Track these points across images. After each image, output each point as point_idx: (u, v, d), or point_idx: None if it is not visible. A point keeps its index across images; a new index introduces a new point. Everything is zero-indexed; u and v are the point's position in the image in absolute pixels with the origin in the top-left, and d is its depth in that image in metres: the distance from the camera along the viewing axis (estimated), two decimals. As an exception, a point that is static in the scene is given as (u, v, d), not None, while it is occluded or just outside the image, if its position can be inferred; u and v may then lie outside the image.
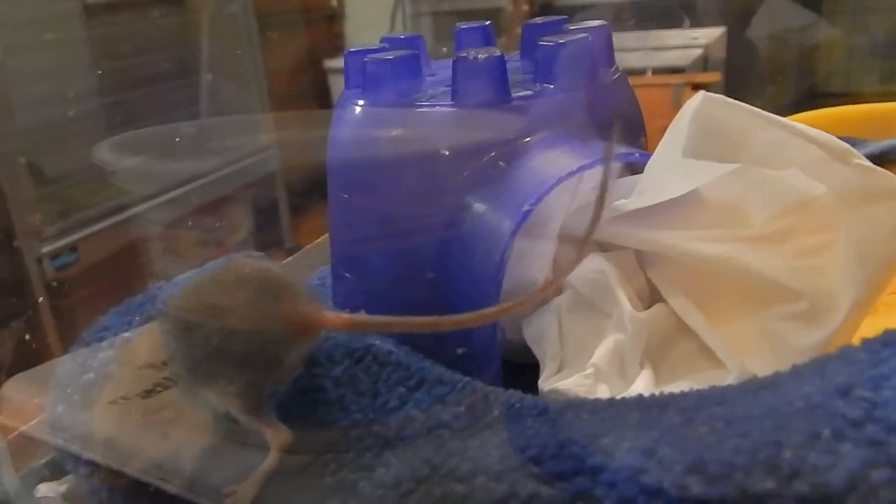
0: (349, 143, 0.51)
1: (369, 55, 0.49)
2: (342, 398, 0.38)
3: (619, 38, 1.71)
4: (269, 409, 0.37)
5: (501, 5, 2.21)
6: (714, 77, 1.97)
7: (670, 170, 0.40)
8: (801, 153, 0.37)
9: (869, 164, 0.37)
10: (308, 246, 0.92)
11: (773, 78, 2.00)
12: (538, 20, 0.56)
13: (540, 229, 0.45)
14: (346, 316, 0.38)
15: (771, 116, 0.39)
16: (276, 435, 0.36)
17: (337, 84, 2.58)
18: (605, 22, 0.52)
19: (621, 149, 0.44)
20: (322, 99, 2.58)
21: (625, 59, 2.10)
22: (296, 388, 0.39)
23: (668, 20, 2.05)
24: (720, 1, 2.01)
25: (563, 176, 0.42)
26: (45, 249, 1.63)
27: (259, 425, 0.36)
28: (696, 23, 2.02)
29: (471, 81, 0.46)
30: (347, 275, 0.53)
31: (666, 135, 0.41)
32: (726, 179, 0.39)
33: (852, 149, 0.37)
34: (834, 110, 0.78)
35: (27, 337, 1.60)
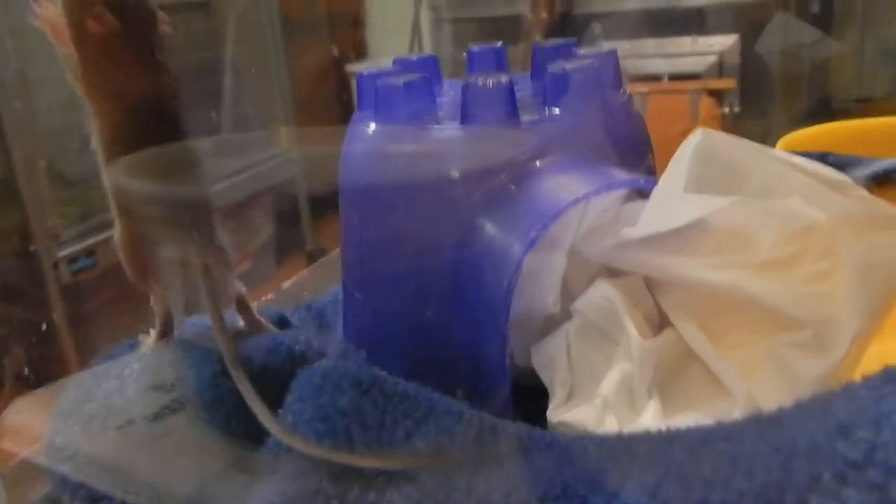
0: (361, 164, 0.51)
1: (381, 78, 0.50)
2: (348, 429, 0.38)
3: (636, 45, 1.72)
4: None
5: (521, 13, 2.22)
6: (729, 83, 1.97)
7: (673, 201, 0.40)
8: (800, 185, 0.37)
9: (867, 194, 0.37)
10: (332, 253, 0.93)
11: (786, 83, 2.00)
12: (548, 43, 0.56)
13: (549, 253, 0.45)
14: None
15: (769, 150, 0.39)
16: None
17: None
18: (613, 48, 0.53)
19: (628, 174, 0.44)
20: (344, 104, 2.60)
21: (642, 66, 2.11)
22: (301, 417, 0.39)
23: (684, 27, 2.05)
24: (733, 9, 2.00)
25: (570, 202, 0.42)
26: (63, 253, 1.63)
27: None
28: (711, 30, 2.02)
29: (480, 107, 0.47)
30: (358, 294, 0.53)
31: (668, 169, 0.41)
32: (730, 208, 0.39)
33: (850, 180, 0.37)
34: (842, 124, 0.79)
35: (42, 342, 1.61)
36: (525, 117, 0.48)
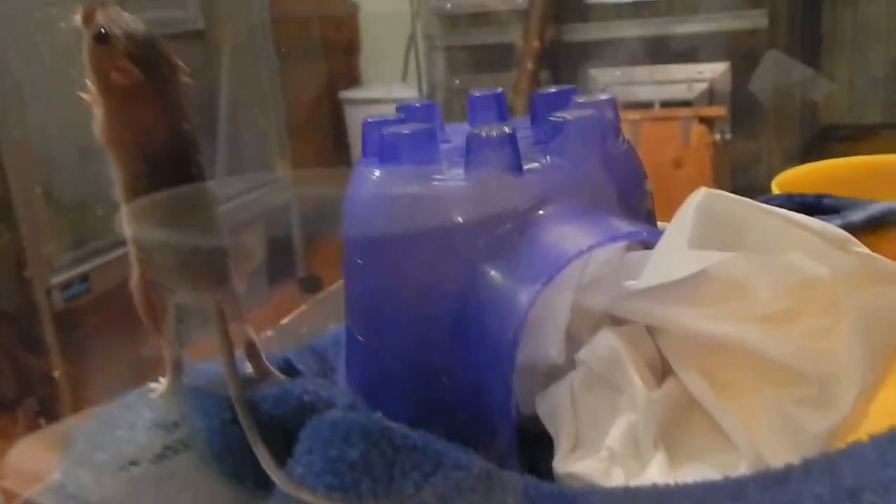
0: (365, 210, 0.52)
1: (387, 127, 0.51)
2: (357, 482, 0.39)
3: (627, 73, 1.74)
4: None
5: (513, 41, 2.24)
6: (720, 110, 1.99)
7: (676, 256, 0.41)
8: (800, 241, 0.38)
9: (867, 250, 0.38)
10: (330, 288, 0.93)
11: (777, 110, 2.02)
12: (547, 90, 0.57)
13: (553, 303, 0.46)
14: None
15: (770, 208, 0.40)
16: None
17: (352, 114, 2.61)
18: (611, 95, 0.53)
19: (630, 225, 0.45)
20: (337, 129, 2.61)
21: (633, 93, 2.13)
22: (310, 469, 0.40)
23: (674, 55, 2.07)
24: (724, 37, 2.02)
25: (573, 255, 0.43)
26: (56, 280, 1.63)
27: None
28: (702, 58, 2.04)
29: (483, 157, 0.47)
30: (361, 338, 0.54)
31: (671, 224, 0.42)
32: (731, 261, 0.40)
33: (851, 237, 0.38)
34: (837, 162, 0.80)
35: (34, 369, 1.60)
36: (527, 165, 0.48)
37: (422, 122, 0.53)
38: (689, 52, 2.08)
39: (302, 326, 0.78)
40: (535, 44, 2.16)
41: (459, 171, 0.48)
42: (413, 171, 0.50)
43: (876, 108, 2.05)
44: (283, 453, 0.42)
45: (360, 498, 0.39)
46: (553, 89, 0.57)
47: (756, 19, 2.01)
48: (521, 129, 0.56)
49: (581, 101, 0.54)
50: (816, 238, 0.38)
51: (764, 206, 0.40)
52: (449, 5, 2.31)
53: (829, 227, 0.38)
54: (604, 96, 0.54)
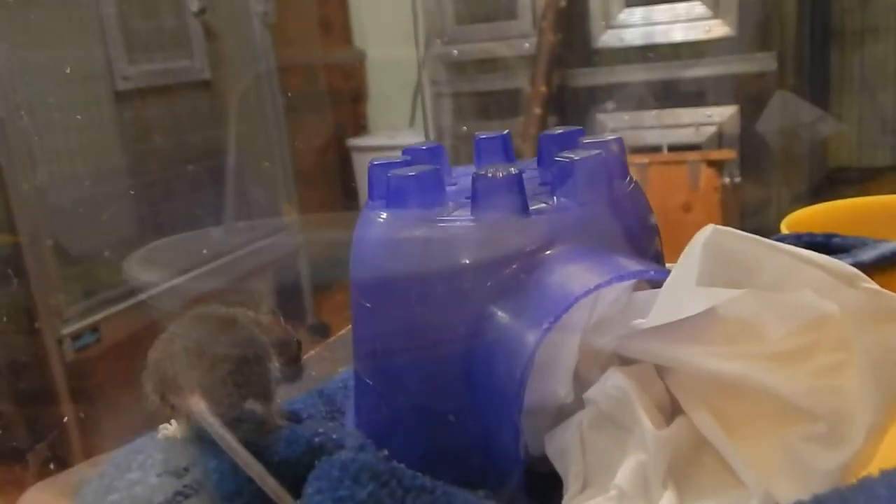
0: (372, 254, 0.52)
1: (393, 170, 0.51)
2: None
3: (635, 117, 1.74)
4: None
5: (520, 87, 2.25)
6: (729, 154, 1.99)
7: (684, 294, 0.40)
8: (810, 278, 0.38)
9: (877, 287, 0.37)
10: (339, 333, 0.93)
11: (786, 153, 2.02)
12: (554, 131, 0.57)
13: (561, 343, 0.46)
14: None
15: (778, 244, 0.40)
16: None
17: (360, 162, 2.63)
18: (618, 135, 0.54)
19: (637, 264, 0.45)
20: (345, 177, 2.62)
21: (642, 137, 2.13)
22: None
23: (683, 99, 2.08)
24: (732, 81, 2.03)
25: (581, 293, 0.42)
26: (67, 330, 1.64)
27: None
28: (710, 101, 2.05)
29: (490, 198, 0.47)
30: (369, 382, 0.54)
31: (678, 262, 0.42)
32: (741, 299, 0.39)
33: (860, 273, 0.37)
34: (845, 202, 0.80)
35: (47, 418, 1.60)
36: (534, 206, 0.48)
37: (428, 164, 0.53)
38: (697, 95, 2.09)
39: (311, 371, 0.78)
40: (543, 89, 2.18)
41: (466, 213, 0.48)
42: (419, 213, 0.50)
43: (885, 151, 2.05)
44: (292, 496, 0.41)
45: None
46: (560, 130, 0.58)
47: (765, 62, 2.01)
48: (528, 171, 0.56)
49: (588, 141, 0.54)
50: (825, 275, 0.38)
51: (772, 242, 0.39)
52: (455, 52, 2.33)
53: (837, 264, 0.38)
54: (611, 136, 0.54)
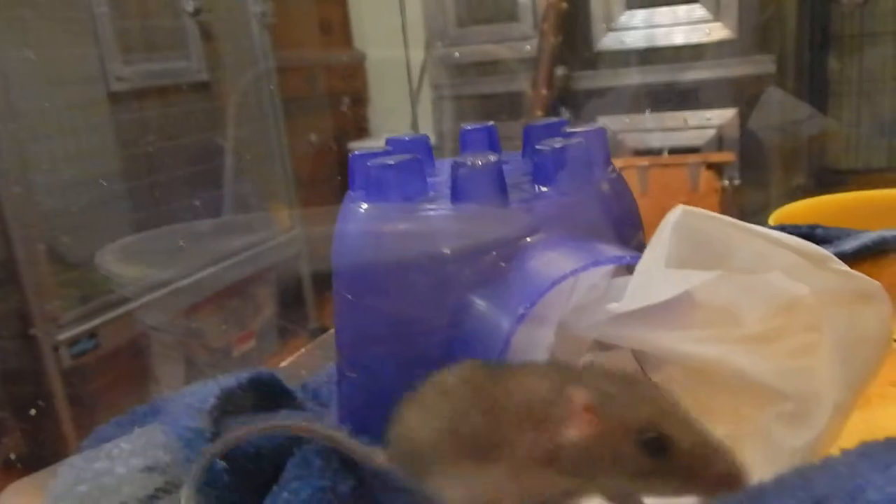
0: (353, 244, 0.52)
1: (373, 159, 0.51)
2: None
3: (636, 120, 1.74)
4: None
5: (521, 89, 2.25)
6: (728, 156, 1.99)
7: (657, 276, 0.40)
8: (781, 260, 0.38)
9: (847, 268, 0.37)
10: (330, 331, 0.92)
11: (784, 156, 2.02)
12: (539, 122, 0.57)
13: (538, 329, 0.45)
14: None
15: (749, 226, 0.39)
16: None
17: (360, 166, 2.62)
18: (601, 126, 0.54)
19: (615, 250, 0.45)
20: (345, 180, 2.61)
21: (642, 140, 2.13)
22: (297, 496, 0.39)
23: (683, 102, 2.08)
24: (732, 84, 2.03)
25: (557, 278, 0.42)
26: (63, 336, 1.62)
27: None
28: (710, 104, 2.05)
29: (469, 186, 0.47)
30: (351, 374, 0.53)
31: (649, 245, 0.42)
32: (715, 283, 0.39)
33: (830, 255, 0.37)
34: (834, 197, 0.81)
35: (43, 425, 1.59)
36: (516, 195, 0.48)
37: (410, 154, 0.53)
38: (697, 98, 2.09)
39: (301, 369, 0.78)
40: (544, 92, 2.17)
41: (447, 203, 0.48)
42: (399, 204, 0.50)
43: (881, 153, 2.04)
44: (268, 486, 0.41)
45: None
46: (545, 122, 0.58)
47: (764, 65, 2.01)
48: (512, 161, 0.56)
49: (570, 131, 0.54)
50: (796, 257, 0.38)
51: (743, 224, 0.39)
52: (457, 54, 2.33)
53: (808, 246, 0.38)
54: (593, 126, 0.54)
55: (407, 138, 0.58)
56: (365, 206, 0.51)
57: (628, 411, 0.31)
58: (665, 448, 0.30)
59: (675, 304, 0.41)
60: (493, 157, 0.48)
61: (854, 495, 0.28)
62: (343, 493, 0.39)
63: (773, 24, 2.02)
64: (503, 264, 0.46)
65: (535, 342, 0.45)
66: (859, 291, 0.37)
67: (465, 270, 0.47)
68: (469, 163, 0.47)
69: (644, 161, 2.02)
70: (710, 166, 1.97)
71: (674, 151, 2.09)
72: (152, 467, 0.44)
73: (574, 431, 0.30)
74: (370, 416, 0.52)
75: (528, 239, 0.47)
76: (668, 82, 2.12)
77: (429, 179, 0.52)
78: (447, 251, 0.47)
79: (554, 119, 0.58)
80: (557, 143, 0.50)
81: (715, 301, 0.40)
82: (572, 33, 2.19)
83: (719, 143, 2.07)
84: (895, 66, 2.01)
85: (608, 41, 2.18)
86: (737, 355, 0.38)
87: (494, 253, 0.46)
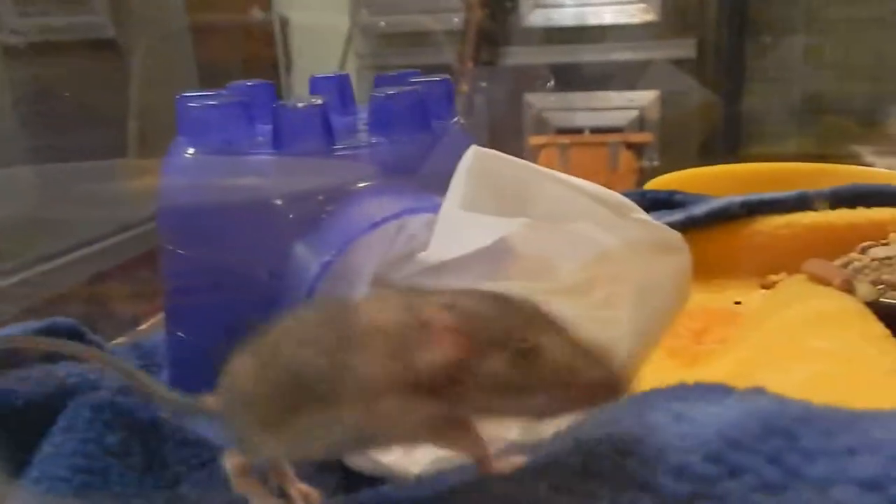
0: (173, 193, 0.49)
1: (196, 101, 0.48)
2: (108, 469, 0.36)
3: (563, 98, 1.72)
4: None
5: (449, 62, 2.22)
6: (647, 137, 1.99)
7: (461, 223, 0.38)
8: (584, 209, 0.36)
9: (647, 217, 0.36)
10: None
11: (701, 139, 2.04)
12: (389, 73, 0.55)
13: (351, 276, 0.43)
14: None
15: (548, 172, 0.37)
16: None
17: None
18: (447, 76, 0.51)
19: (434, 200, 0.42)
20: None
21: (568, 118, 2.12)
22: (61, 449, 0.36)
23: (608, 82, 2.08)
24: (655, 66, 2.03)
25: (366, 227, 0.40)
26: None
27: None
28: (634, 85, 2.05)
29: (291, 131, 0.45)
30: (177, 331, 0.50)
31: (448, 191, 0.39)
32: (527, 232, 0.37)
33: (632, 203, 0.36)
34: (711, 169, 0.84)
35: None
36: (348, 142, 0.46)
37: (251, 100, 0.50)
38: (621, 79, 2.09)
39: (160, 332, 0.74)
40: (470, 65, 2.15)
41: (269, 147, 0.45)
42: (221, 147, 0.47)
43: (794, 140, 2.06)
44: (34, 443, 0.38)
45: (108, 486, 0.35)
46: (395, 72, 0.55)
47: (685, 49, 2.02)
48: (361, 112, 0.53)
49: (414, 80, 0.52)
50: (598, 205, 0.35)
51: (541, 169, 0.37)
52: (383, 23, 2.29)
53: (611, 194, 0.36)
54: (437, 77, 0.52)
55: (249, 83, 0.54)
56: (188, 152, 0.47)
57: (495, 325, 0.28)
58: (538, 357, 0.28)
59: (490, 254, 0.39)
60: (317, 100, 0.45)
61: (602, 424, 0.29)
62: (111, 444, 0.37)
63: (695, 8, 2.02)
64: (324, 215, 0.43)
65: (346, 289, 0.43)
66: (660, 242, 0.35)
67: (285, 216, 0.44)
68: (290, 106, 0.45)
69: (565, 139, 2.01)
70: (630, 146, 1.97)
71: (596, 131, 2.08)
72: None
73: (439, 354, 0.27)
74: (200, 375, 0.50)
75: (353, 189, 0.44)
76: (595, 62, 2.11)
77: (258, 126, 0.49)
78: (266, 197, 0.44)
79: (405, 70, 0.55)
80: (391, 90, 0.47)
81: (528, 251, 0.38)
82: (500, 8, 2.17)
83: (641, 124, 2.07)
84: (806, 57, 2.03)
85: (536, 17, 2.16)
86: (552, 308, 0.36)
87: (314, 203, 0.44)
